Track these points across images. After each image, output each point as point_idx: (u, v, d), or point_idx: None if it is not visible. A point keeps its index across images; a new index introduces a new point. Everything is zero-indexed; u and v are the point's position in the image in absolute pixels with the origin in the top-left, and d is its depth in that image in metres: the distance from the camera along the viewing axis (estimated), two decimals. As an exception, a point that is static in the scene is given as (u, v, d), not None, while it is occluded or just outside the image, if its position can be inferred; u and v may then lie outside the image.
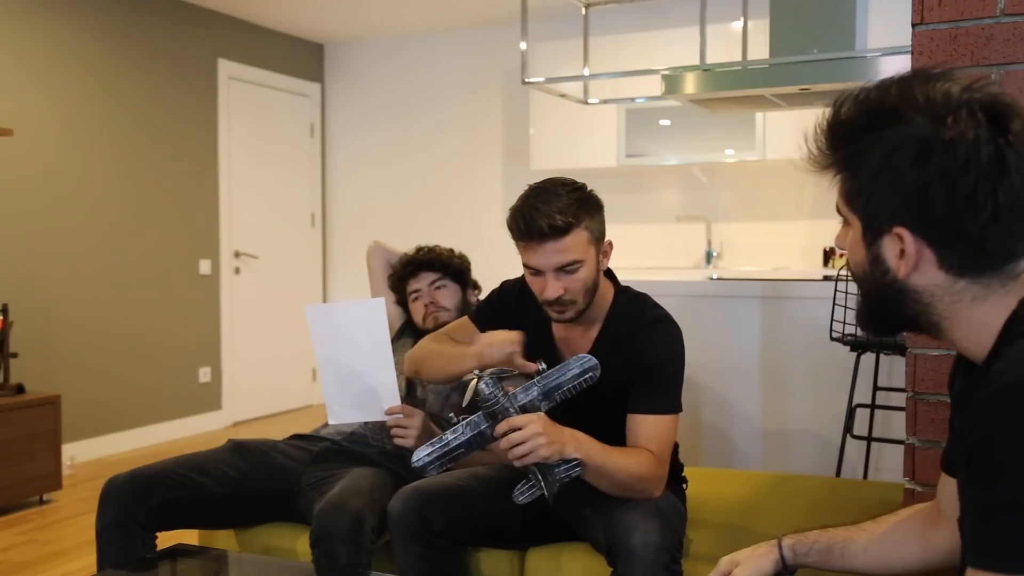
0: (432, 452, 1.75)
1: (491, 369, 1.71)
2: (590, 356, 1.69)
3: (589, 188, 1.96)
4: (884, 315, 1.11)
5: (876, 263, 1.06)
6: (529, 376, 1.77)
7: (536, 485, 1.73)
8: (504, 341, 1.88)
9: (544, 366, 1.73)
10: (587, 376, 1.69)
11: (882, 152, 1.02)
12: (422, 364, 2.14)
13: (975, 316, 1.04)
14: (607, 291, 2.02)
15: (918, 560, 1.31)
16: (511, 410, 1.68)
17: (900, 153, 1.00)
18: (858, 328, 3.06)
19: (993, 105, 1.00)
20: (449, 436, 1.74)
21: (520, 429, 1.67)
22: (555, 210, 1.84)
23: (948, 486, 1.28)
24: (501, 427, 1.69)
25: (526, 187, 1.94)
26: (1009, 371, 0.93)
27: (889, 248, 1.05)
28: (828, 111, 1.08)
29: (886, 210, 1.03)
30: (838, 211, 1.11)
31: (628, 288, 2.06)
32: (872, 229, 1.06)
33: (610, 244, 1.98)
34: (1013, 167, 0.98)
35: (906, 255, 1.03)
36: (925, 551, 1.31)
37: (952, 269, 1.02)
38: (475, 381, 1.69)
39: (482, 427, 1.72)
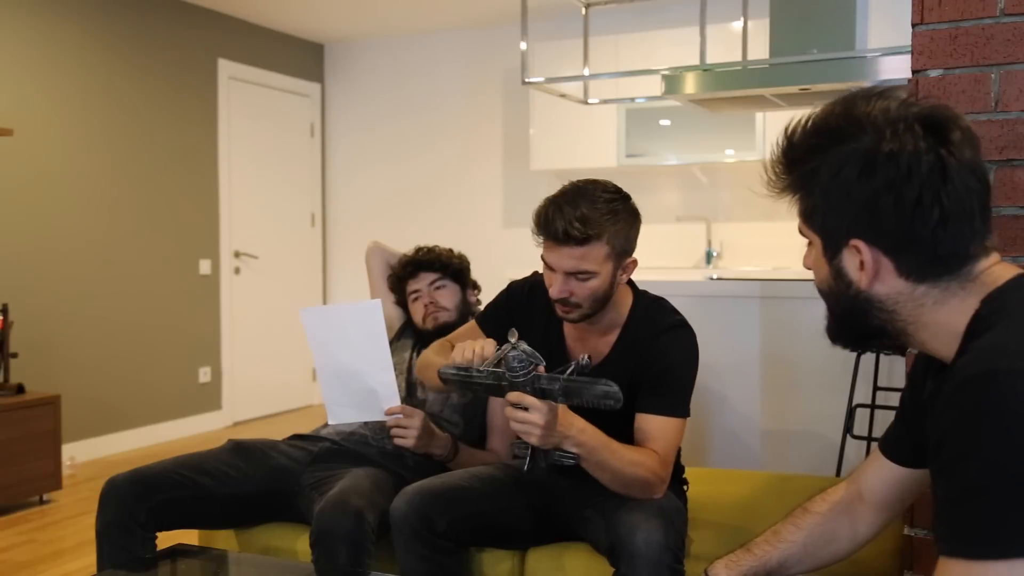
0: (456, 372, 1.78)
1: (525, 345, 1.70)
2: (617, 389, 1.64)
3: (631, 200, 1.94)
4: (853, 327, 1.15)
5: (839, 277, 1.11)
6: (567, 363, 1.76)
7: (526, 454, 1.75)
8: (485, 347, 1.82)
9: (588, 360, 1.70)
10: (608, 400, 1.66)
11: (831, 169, 1.07)
12: (421, 374, 2.18)
13: (939, 319, 1.07)
14: (626, 296, 2.02)
15: (848, 547, 1.38)
16: (528, 388, 1.69)
17: (847, 168, 1.05)
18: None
19: (930, 117, 1.05)
20: (475, 372, 1.76)
21: (526, 410, 1.67)
22: (577, 217, 1.82)
23: (879, 469, 1.33)
24: (512, 397, 1.69)
25: (568, 183, 1.92)
26: (972, 363, 0.96)
27: (849, 261, 1.09)
28: (781, 138, 1.13)
29: (841, 224, 1.08)
30: (800, 232, 1.16)
31: (646, 293, 2.06)
32: (831, 244, 1.11)
33: (634, 262, 1.95)
34: (954, 173, 1.02)
35: (865, 266, 1.07)
36: (854, 536, 1.38)
37: (911, 275, 1.06)
38: (507, 347, 1.69)
39: (502, 383, 1.72)
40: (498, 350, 1.75)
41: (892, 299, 1.08)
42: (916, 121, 1.04)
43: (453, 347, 2.13)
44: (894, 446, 1.32)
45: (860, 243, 1.07)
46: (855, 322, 1.13)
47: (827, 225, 1.10)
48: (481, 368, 1.76)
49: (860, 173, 1.04)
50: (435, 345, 2.20)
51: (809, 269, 1.17)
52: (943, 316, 1.07)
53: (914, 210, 1.02)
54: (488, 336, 2.14)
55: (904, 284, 1.07)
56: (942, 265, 1.05)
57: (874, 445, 1.38)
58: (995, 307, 1.03)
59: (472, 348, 1.81)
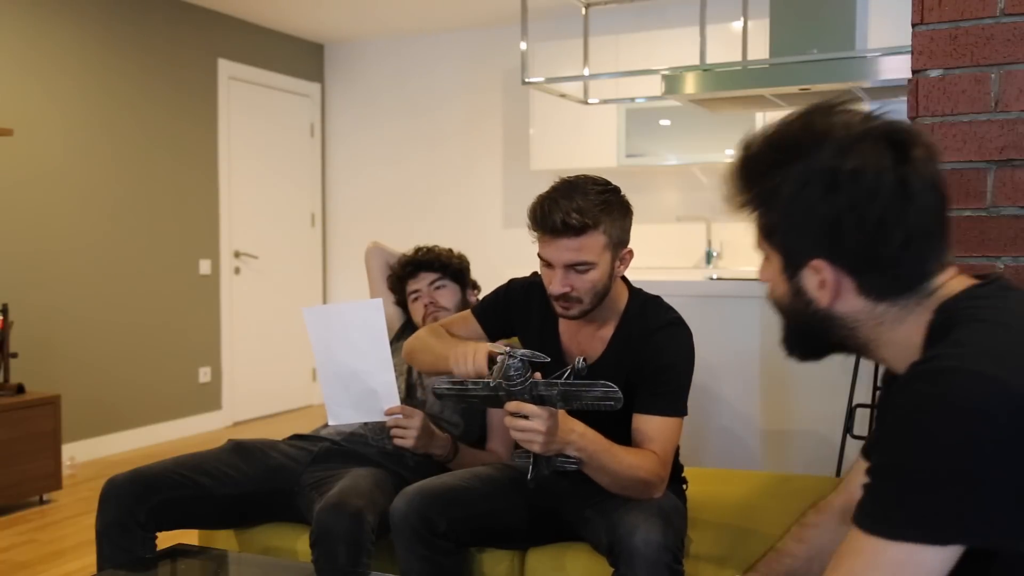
0: (451, 388, 1.79)
1: (523, 351, 1.71)
2: (617, 389, 1.66)
3: (622, 192, 1.94)
4: (811, 341, 1.14)
5: (799, 295, 1.09)
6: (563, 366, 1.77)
7: (528, 464, 1.76)
8: (476, 360, 1.82)
9: (584, 363, 1.71)
10: (608, 402, 1.67)
11: (793, 186, 1.04)
12: (413, 356, 2.14)
13: (898, 336, 1.07)
14: (621, 293, 2.02)
15: None
16: (526, 396, 1.69)
17: (810, 187, 1.03)
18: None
19: (893, 133, 1.03)
20: (470, 384, 1.77)
21: (526, 418, 1.68)
22: (574, 208, 1.83)
23: (862, 474, 1.32)
24: (511, 407, 1.70)
25: (557, 179, 1.93)
26: (923, 362, 0.97)
27: (809, 279, 1.07)
28: (738, 151, 1.11)
29: (802, 243, 1.06)
30: (758, 247, 1.14)
31: (641, 291, 2.06)
32: (791, 262, 1.09)
33: (630, 252, 1.96)
34: (917, 192, 1.01)
35: (826, 285, 1.06)
36: None
37: (872, 295, 1.06)
38: (504, 357, 1.69)
39: (499, 394, 1.73)
40: (494, 363, 1.75)
41: (852, 317, 1.07)
42: (879, 138, 1.02)
43: (447, 332, 2.13)
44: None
45: (822, 263, 1.05)
46: (814, 337, 1.13)
47: (788, 243, 1.08)
48: (476, 381, 1.76)
49: (824, 192, 1.01)
50: (428, 328, 2.17)
51: (764, 282, 1.15)
52: (901, 334, 1.07)
53: (877, 231, 1.01)
54: (483, 328, 2.14)
55: (864, 303, 1.06)
56: (902, 284, 1.05)
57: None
58: (947, 316, 1.03)
59: (466, 361, 1.81)
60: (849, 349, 1.12)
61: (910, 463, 0.92)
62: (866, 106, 3.82)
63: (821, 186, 1.02)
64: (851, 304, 1.06)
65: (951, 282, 1.07)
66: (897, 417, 0.95)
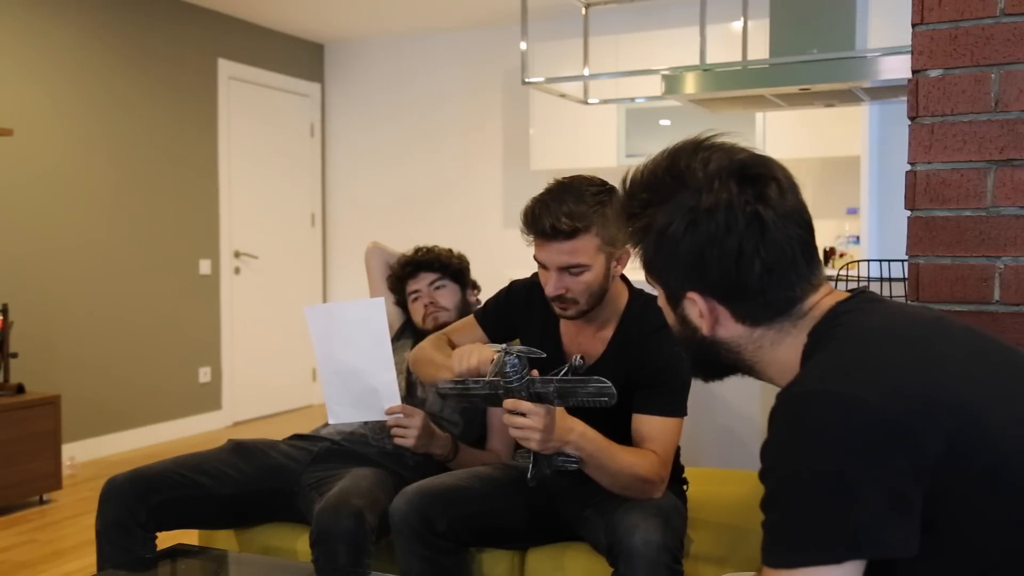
0: (454, 388, 1.81)
1: (520, 347, 1.71)
2: (611, 384, 1.67)
3: (617, 192, 1.94)
4: (708, 366, 1.20)
5: (684, 323, 1.16)
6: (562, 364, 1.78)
7: (528, 463, 1.76)
8: (477, 359, 1.84)
9: (581, 361, 1.72)
10: (602, 398, 1.68)
11: (660, 225, 1.11)
12: (417, 367, 2.16)
13: (778, 357, 1.13)
14: (621, 293, 2.02)
15: None
16: (523, 393, 1.70)
17: (674, 225, 1.10)
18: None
19: (744, 171, 1.09)
20: (471, 384, 1.78)
21: (523, 415, 1.68)
22: (564, 212, 1.83)
23: None
24: (508, 404, 1.71)
25: (553, 180, 1.93)
26: (785, 388, 1.01)
27: (690, 309, 1.14)
28: (621, 190, 1.18)
29: (675, 277, 1.13)
30: (646, 279, 1.20)
31: (642, 291, 2.05)
32: (671, 295, 1.16)
33: (627, 252, 1.94)
34: (771, 224, 1.07)
35: (704, 315, 1.12)
36: None
37: (747, 320, 1.12)
38: (501, 354, 1.70)
39: (499, 392, 1.74)
40: (494, 359, 1.76)
41: (735, 342, 1.13)
42: (731, 176, 1.08)
43: (450, 341, 2.14)
44: None
45: (695, 295, 1.11)
46: (708, 362, 1.19)
47: (664, 278, 1.15)
48: (477, 380, 1.77)
49: (685, 229, 1.08)
50: (431, 339, 2.19)
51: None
52: (781, 354, 1.12)
53: (737, 262, 1.07)
54: (486, 332, 2.15)
55: (743, 328, 1.12)
56: (773, 308, 1.10)
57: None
58: (814, 339, 1.08)
59: (466, 361, 1.82)
60: (743, 372, 1.18)
61: (785, 491, 0.95)
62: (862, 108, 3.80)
63: (683, 224, 1.09)
64: (731, 330, 1.13)
65: (823, 301, 1.11)
66: (767, 446, 0.98)
